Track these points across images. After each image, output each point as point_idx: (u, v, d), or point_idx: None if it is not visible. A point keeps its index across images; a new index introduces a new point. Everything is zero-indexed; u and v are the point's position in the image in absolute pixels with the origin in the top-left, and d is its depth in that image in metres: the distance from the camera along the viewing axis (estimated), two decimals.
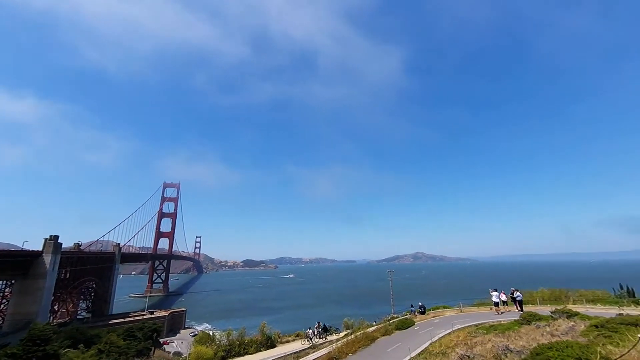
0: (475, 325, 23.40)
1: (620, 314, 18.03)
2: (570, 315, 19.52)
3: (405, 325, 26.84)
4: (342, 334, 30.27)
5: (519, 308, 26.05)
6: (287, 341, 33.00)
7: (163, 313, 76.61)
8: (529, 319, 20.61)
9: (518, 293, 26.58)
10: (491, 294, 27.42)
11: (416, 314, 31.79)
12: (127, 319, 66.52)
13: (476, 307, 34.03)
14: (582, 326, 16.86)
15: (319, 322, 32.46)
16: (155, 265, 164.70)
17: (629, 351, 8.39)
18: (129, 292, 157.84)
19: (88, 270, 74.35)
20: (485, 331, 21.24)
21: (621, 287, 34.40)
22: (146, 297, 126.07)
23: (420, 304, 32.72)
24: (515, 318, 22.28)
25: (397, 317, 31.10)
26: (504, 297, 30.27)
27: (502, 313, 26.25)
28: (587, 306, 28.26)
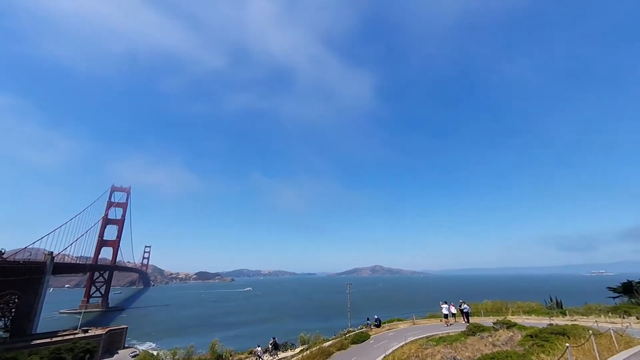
0: (427, 337, 24.23)
1: (551, 324, 19.83)
2: (510, 326, 21.04)
3: (361, 339, 26.96)
4: (297, 350, 29.52)
5: (465, 320, 27.57)
6: (240, 359, 31.35)
7: (99, 331, 68.56)
8: (474, 330, 21.84)
9: (465, 305, 28.18)
10: (441, 306, 28.76)
11: (372, 327, 32.15)
12: (54, 339, 58.36)
13: (427, 319, 35.42)
14: (519, 336, 18.23)
15: (274, 338, 31.38)
16: (95, 277, 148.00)
17: (558, 359, 9.15)
18: (61, 307, 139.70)
19: (10, 282, 64.57)
20: (435, 343, 22.05)
21: (551, 299, 38.13)
22: (81, 313, 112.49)
23: (376, 317, 33.22)
24: (462, 329, 23.51)
25: (353, 331, 31.18)
26: (453, 310, 31.88)
27: (450, 325, 27.56)
28: (524, 317, 30.81)
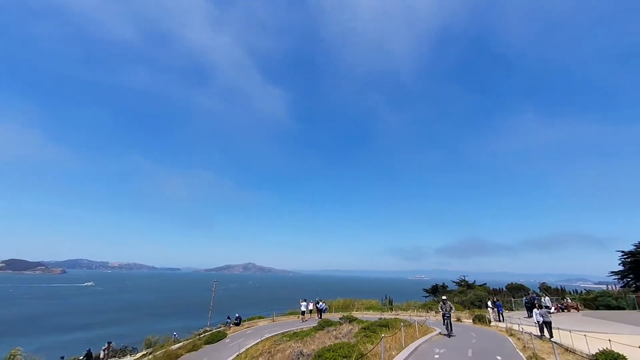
0: (282, 333, 25.50)
1: (380, 318, 24.23)
2: (352, 320, 24.50)
3: (216, 338, 25.93)
4: (139, 355, 25.83)
5: (319, 316, 30.49)
6: None
7: None
8: (323, 325, 24.37)
9: (322, 303, 31.19)
10: (301, 303, 30.91)
11: (231, 325, 31.47)
12: None
13: (287, 316, 37.35)
14: (357, 329, 21.48)
15: (109, 343, 26.51)
16: None
17: (374, 347, 11.14)
18: None
19: None
20: (288, 338, 23.45)
21: (386, 297, 46.82)
22: None
23: (237, 315, 32.72)
24: (315, 325, 25.92)
25: (210, 330, 29.72)
26: (311, 306, 34.67)
27: (306, 321, 29.91)
28: (364, 312, 36.50)
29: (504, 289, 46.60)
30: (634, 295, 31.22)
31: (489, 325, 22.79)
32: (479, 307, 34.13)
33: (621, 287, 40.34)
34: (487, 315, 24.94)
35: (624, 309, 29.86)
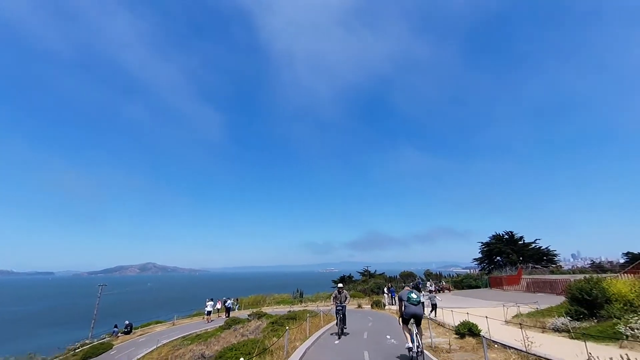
0: (183, 337, 23.47)
1: (290, 311, 24.70)
2: (261, 316, 24.25)
3: (98, 351, 22.10)
4: None
5: (227, 315, 29.21)
6: None
7: None
8: (230, 323, 23.42)
9: (229, 301, 29.96)
10: (207, 303, 29.02)
11: (119, 335, 27.33)
12: None
13: (191, 318, 34.64)
14: (265, 324, 21.35)
15: None
16: None
17: (279, 340, 11.23)
18: None
19: None
20: (190, 342, 21.69)
21: (297, 290, 48.13)
22: None
23: (127, 322, 28.57)
24: (221, 324, 24.69)
25: (91, 343, 25.12)
26: (219, 306, 32.93)
27: (212, 321, 28.25)
28: (275, 307, 36.68)
29: (398, 277, 53.37)
30: (487, 277, 39.89)
31: (384, 309, 25.77)
32: (377, 294, 38.28)
33: (479, 270, 51.10)
34: (382, 300, 28.16)
35: (480, 287, 37.87)
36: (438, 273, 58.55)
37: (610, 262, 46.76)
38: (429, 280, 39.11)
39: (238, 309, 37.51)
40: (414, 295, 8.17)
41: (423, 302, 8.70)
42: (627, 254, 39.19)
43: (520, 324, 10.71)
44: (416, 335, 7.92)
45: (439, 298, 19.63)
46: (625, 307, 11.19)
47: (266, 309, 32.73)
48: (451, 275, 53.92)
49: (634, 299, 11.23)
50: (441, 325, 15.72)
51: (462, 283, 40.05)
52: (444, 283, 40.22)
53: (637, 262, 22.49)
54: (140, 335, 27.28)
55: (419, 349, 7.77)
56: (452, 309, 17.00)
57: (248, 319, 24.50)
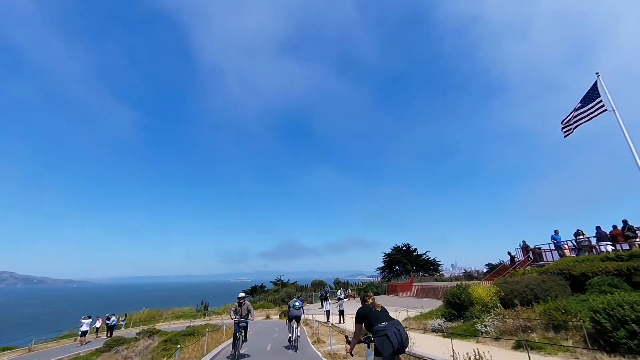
0: None
1: (189, 326, 22.42)
2: (152, 333, 21.24)
3: None
4: None
5: (108, 334, 24.80)
6: None
7: None
8: (112, 344, 19.89)
9: (113, 318, 25.57)
10: (82, 322, 24.02)
11: None
12: None
13: (57, 340, 28.17)
14: (156, 343, 18.82)
15: None
16: None
17: (168, 359, 10.00)
18: None
19: None
20: None
21: (202, 303, 44.32)
22: None
23: None
24: (99, 346, 20.72)
25: None
26: (98, 324, 27.84)
27: (87, 343, 23.49)
28: (173, 322, 32.89)
29: (310, 285, 54.57)
30: (385, 284, 44.19)
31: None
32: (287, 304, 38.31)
33: (381, 278, 56.29)
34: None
35: (380, 294, 41.66)
36: (346, 281, 62.20)
37: (477, 271, 57.58)
38: (339, 289, 41.13)
39: (125, 327, 32.22)
40: (297, 304, 12.19)
41: (302, 307, 12.90)
42: (488, 264, 48.90)
43: (407, 327, 12.09)
44: (294, 329, 11.89)
45: (346, 305, 20.76)
46: (482, 309, 13.78)
47: (161, 325, 29.06)
48: (357, 284, 57.97)
49: (488, 301, 13.92)
50: (342, 333, 16.55)
51: (366, 291, 43.45)
52: (350, 291, 42.92)
53: (494, 271, 28.24)
54: None
55: (297, 337, 11.97)
56: (353, 316, 18.13)
57: (136, 337, 21.18)
